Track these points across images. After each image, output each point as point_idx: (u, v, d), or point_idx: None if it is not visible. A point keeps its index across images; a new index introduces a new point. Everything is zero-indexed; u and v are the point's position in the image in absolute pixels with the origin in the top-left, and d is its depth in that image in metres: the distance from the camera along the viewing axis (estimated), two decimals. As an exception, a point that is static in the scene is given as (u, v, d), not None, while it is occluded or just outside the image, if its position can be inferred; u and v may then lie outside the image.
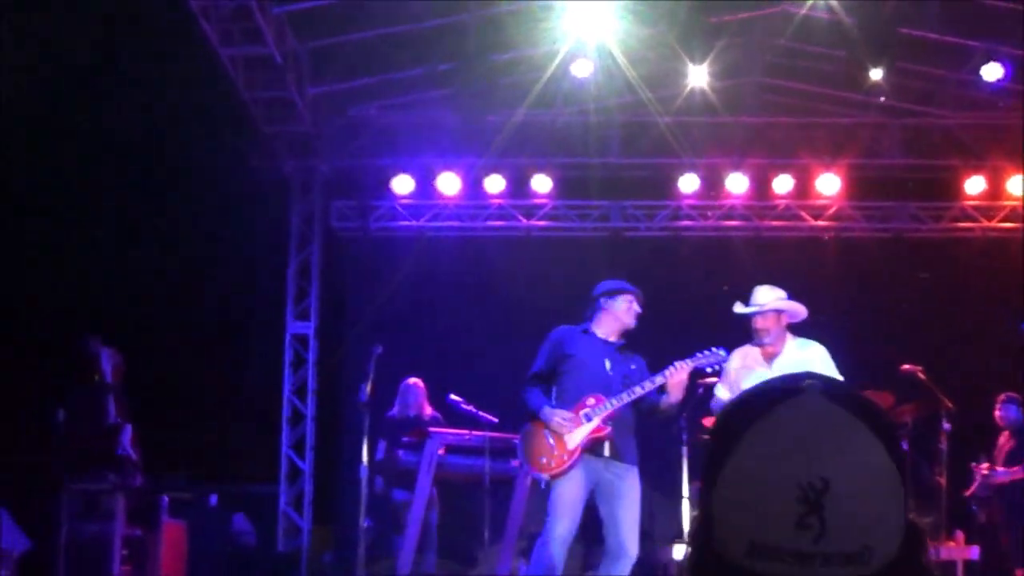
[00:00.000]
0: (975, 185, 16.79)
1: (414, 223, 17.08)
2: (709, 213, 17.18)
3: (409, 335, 15.36)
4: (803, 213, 17.11)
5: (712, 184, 16.82)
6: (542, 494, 8.86)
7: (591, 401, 8.50)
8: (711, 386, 9.39)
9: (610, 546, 8.56)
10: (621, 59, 14.15)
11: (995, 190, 16.81)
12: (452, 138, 16.26)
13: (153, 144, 14.54)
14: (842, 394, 1.76)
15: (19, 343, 13.99)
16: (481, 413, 11.06)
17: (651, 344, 9.04)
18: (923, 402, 11.78)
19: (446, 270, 16.76)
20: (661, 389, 8.51)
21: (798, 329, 8.96)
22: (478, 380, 13.15)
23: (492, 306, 16.04)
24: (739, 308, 8.85)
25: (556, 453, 8.47)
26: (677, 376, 8.41)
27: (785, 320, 8.83)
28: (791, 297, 8.91)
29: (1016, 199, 16.76)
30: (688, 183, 16.63)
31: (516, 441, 8.98)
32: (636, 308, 8.89)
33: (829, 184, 16.65)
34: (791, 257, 16.39)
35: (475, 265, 16.89)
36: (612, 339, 8.84)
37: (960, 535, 12.56)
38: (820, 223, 17.12)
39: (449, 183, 16.62)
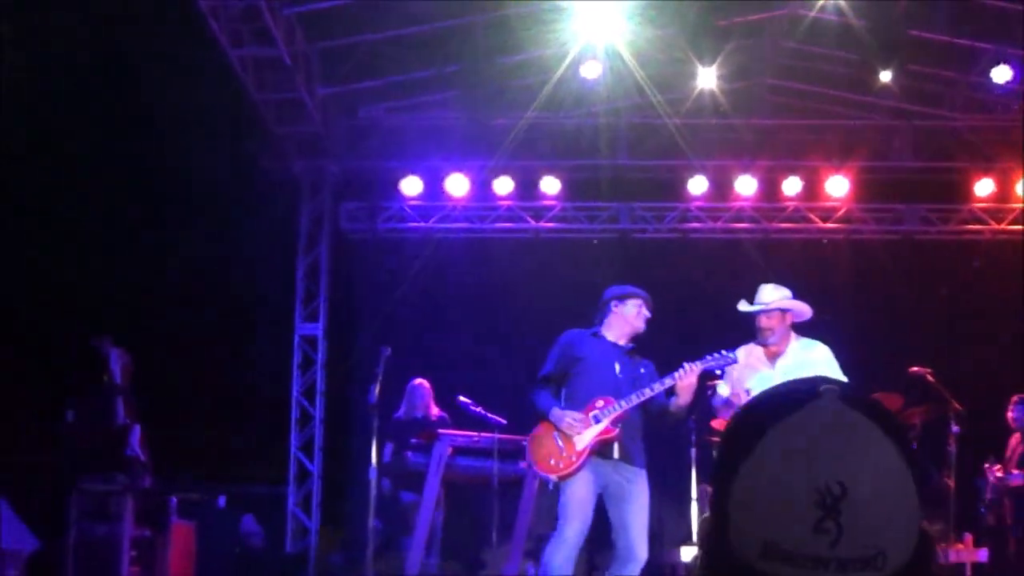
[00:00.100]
0: (984, 187, 16.78)
1: (423, 224, 17.08)
2: (718, 215, 17.16)
3: (418, 336, 15.37)
4: (812, 215, 17.09)
5: (721, 186, 16.80)
6: (551, 496, 8.85)
7: (600, 403, 8.48)
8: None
9: (619, 550, 8.54)
10: (630, 61, 14.14)
11: (1004, 192, 16.80)
12: (461, 140, 16.26)
13: (162, 145, 14.54)
14: (859, 399, 1.75)
15: (28, 344, 14.00)
16: (490, 415, 11.05)
17: (660, 346, 9.02)
18: (932, 404, 11.75)
19: (455, 272, 16.75)
20: (670, 392, 8.49)
21: (805, 329, 8.94)
22: (487, 381, 13.15)
23: (500, 307, 16.03)
24: (744, 306, 8.83)
25: (565, 454, 8.46)
26: (687, 379, 8.38)
27: (790, 319, 8.79)
28: (797, 297, 8.88)
29: (1025, 201, 16.77)
30: (697, 185, 16.63)
31: (524, 442, 8.97)
32: (646, 312, 8.89)
33: (838, 186, 16.63)
34: (800, 259, 16.38)
35: (483, 267, 16.88)
36: (622, 343, 8.83)
37: (969, 538, 12.52)
38: (829, 225, 17.11)
39: (458, 184, 16.61)
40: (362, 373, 13.71)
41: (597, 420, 8.45)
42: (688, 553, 12.77)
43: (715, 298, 9.39)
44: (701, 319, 14.16)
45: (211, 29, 13.04)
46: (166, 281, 15.08)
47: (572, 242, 17.20)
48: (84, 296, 14.40)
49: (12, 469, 11.20)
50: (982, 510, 13.27)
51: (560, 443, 8.49)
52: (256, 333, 16.53)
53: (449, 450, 10.86)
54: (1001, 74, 14.59)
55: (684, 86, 15.12)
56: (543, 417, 8.64)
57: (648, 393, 8.46)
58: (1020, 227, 16.89)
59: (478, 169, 16.56)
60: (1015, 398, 13.37)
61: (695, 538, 12.18)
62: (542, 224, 17.13)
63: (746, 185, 16.62)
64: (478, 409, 11.13)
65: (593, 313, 9.03)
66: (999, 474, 13.19)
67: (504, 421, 10.95)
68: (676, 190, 16.96)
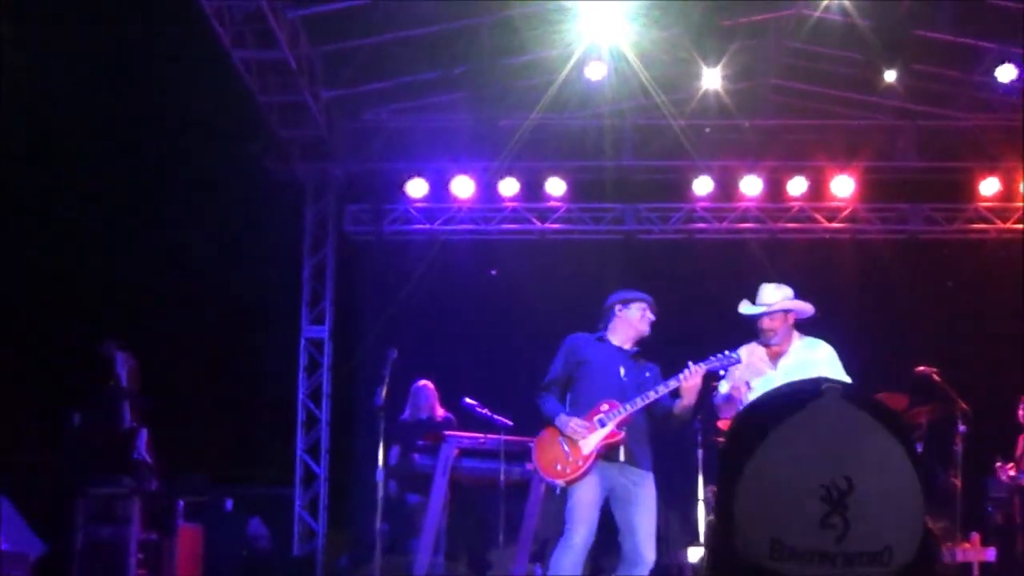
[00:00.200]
0: (989, 187, 16.77)
1: (428, 226, 17.08)
2: (723, 216, 17.16)
3: (423, 338, 15.35)
4: (817, 215, 17.09)
5: (726, 187, 16.79)
6: (557, 500, 8.86)
7: (605, 407, 8.48)
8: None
9: (626, 552, 8.54)
10: (635, 62, 14.14)
11: (1009, 191, 16.79)
12: (466, 141, 16.27)
13: (167, 148, 14.57)
14: (861, 398, 1.76)
15: (34, 347, 14.02)
16: (496, 416, 11.04)
17: (665, 347, 9.02)
18: (938, 404, 11.74)
19: (460, 273, 16.75)
20: (675, 393, 8.49)
21: (809, 328, 8.92)
22: (493, 383, 13.13)
23: (506, 309, 16.03)
24: (746, 309, 8.79)
25: (571, 459, 8.46)
26: (691, 380, 8.37)
27: (792, 319, 8.76)
28: (802, 296, 8.86)
29: (1031, 200, 16.76)
30: (702, 186, 16.62)
31: (531, 444, 8.96)
32: (650, 316, 8.89)
33: (843, 186, 16.63)
34: (805, 259, 16.37)
35: (489, 268, 16.89)
36: (627, 347, 8.83)
37: (976, 537, 12.51)
38: (834, 225, 17.10)
39: (463, 186, 16.61)
40: (368, 375, 13.70)
41: (602, 424, 8.45)
42: (695, 554, 12.77)
43: (720, 299, 9.37)
44: (706, 320, 14.11)
45: (215, 32, 13.05)
46: (172, 284, 15.09)
47: (577, 243, 17.21)
48: (89, 298, 14.43)
49: (19, 472, 11.20)
50: (989, 509, 13.26)
51: (566, 448, 8.49)
52: (262, 336, 16.54)
53: (455, 452, 10.86)
54: (1006, 73, 14.58)
55: (689, 87, 15.13)
56: (548, 422, 8.65)
57: (653, 396, 8.45)
58: (1025, 226, 16.90)
59: (483, 171, 16.56)
60: (1025, 396, 13.39)
61: (702, 539, 12.17)
62: (547, 225, 17.13)
63: (751, 185, 16.62)
64: (484, 411, 11.12)
65: (598, 315, 9.03)
66: (1012, 473, 13.18)
67: (510, 423, 10.94)
68: (681, 191, 16.96)
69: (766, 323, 8.67)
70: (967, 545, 12.24)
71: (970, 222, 17.16)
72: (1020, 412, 13.38)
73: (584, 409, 8.53)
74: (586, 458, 8.42)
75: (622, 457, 8.50)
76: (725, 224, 17.18)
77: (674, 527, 13.57)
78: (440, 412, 12.82)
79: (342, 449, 16.37)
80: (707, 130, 16.24)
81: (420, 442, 11.29)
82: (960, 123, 16.57)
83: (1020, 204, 16.86)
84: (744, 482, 1.73)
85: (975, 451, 12.04)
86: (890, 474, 1.70)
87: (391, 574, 11.55)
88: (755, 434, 1.75)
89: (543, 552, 11.41)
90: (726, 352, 8.55)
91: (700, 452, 11.89)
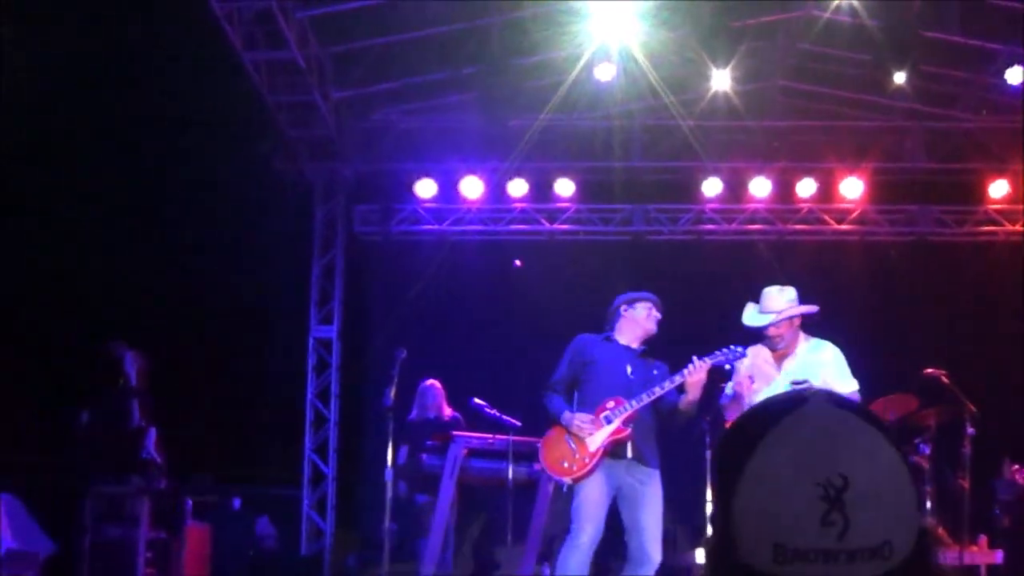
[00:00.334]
0: (999, 189, 16.75)
1: (437, 227, 17.09)
2: (732, 217, 17.15)
3: (432, 339, 15.37)
4: (826, 217, 17.08)
5: (735, 188, 16.79)
6: (565, 497, 8.87)
7: (611, 404, 8.50)
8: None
9: (633, 552, 8.55)
10: (644, 63, 14.14)
11: (1018, 194, 16.76)
12: (475, 142, 16.27)
13: (176, 148, 14.59)
14: (846, 402, 1.79)
15: (44, 346, 14.05)
16: (504, 417, 11.05)
17: (673, 347, 9.02)
18: (946, 406, 11.74)
19: (469, 274, 16.76)
20: (680, 389, 8.50)
21: (818, 330, 8.90)
22: (501, 383, 13.14)
23: (515, 310, 16.04)
24: (751, 320, 8.75)
25: (577, 457, 8.48)
26: (695, 375, 8.38)
27: (798, 322, 8.75)
28: (810, 299, 8.84)
29: (1041, 203, 16.75)
30: (711, 187, 16.62)
31: (539, 445, 8.97)
32: (656, 314, 8.91)
33: (852, 188, 16.62)
34: (814, 261, 16.37)
35: (498, 269, 16.91)
36: (634, 346, 8.85)
37: (983, 539, 12.50)
38: (843, 227, 17.10)
39: (472, 187, 16.62)
40: (377, 375, 13.73)
41: (608, 421, 8.47)
42: (702, 555, 12.77)
43: (729, 300, 9.36)
44: (715, 321, 14.10)
45: (225, 32, 13.07)
46: (181, 284, 15.11)
47: (586, 244, 17.21)
48: (96, 298, 14.45)
49: (28, 471, 11.24)
50: (996, 512, 13.24)
51: (572, 445, 8.51)
52: (271, 336, 16.57)
53: (464, 452, 10.87)
54: (1015, 75, 14.58)
55: (698, 88, 15.13)
56: (555, 421, 8.67)
57: (658, 392, 8.47)
58: (1035, 228, 16.88)
59: (492, 171, 16.56)
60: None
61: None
62: (556, 226, 17.13)
63: (760, 187, 16.62)
64: (493, 411, 11.13)
65: (606, 316, 9.05)
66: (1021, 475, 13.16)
67: (519, 423, 10.95)
68: (690, 192, 16.95)
69: (772, 330, 8.66)
70: (975, 548, 12.25)
71: (979, 224, 17.14)
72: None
73: (591, 408, 8.55)
74: (592, 455, 8.44)
75: (629, 454, 8.52)
76: (734, 225, 17.17)
77: (682, 527, 13.56)
78: (447, 412, 12.83)
79: (350, 449, 16.40)
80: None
81: (429, 442, 11.31)
82: (969, 125, 16.57)
83: (1029, 207, 16.85)
84: (739, 497, 1.74)
85: (983, 454, 12.03)
86: (882, 469, 1.72)
87: (399, 574, 11.57)
88: (749, 440, 1.77)
89: (551, 552, 11.41)
90: (731, 346, 8.55)
91: (709, 452, 11.88)
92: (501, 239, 17.18)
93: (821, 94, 16.72)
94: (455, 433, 11.11)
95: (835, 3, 13.87)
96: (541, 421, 9.01)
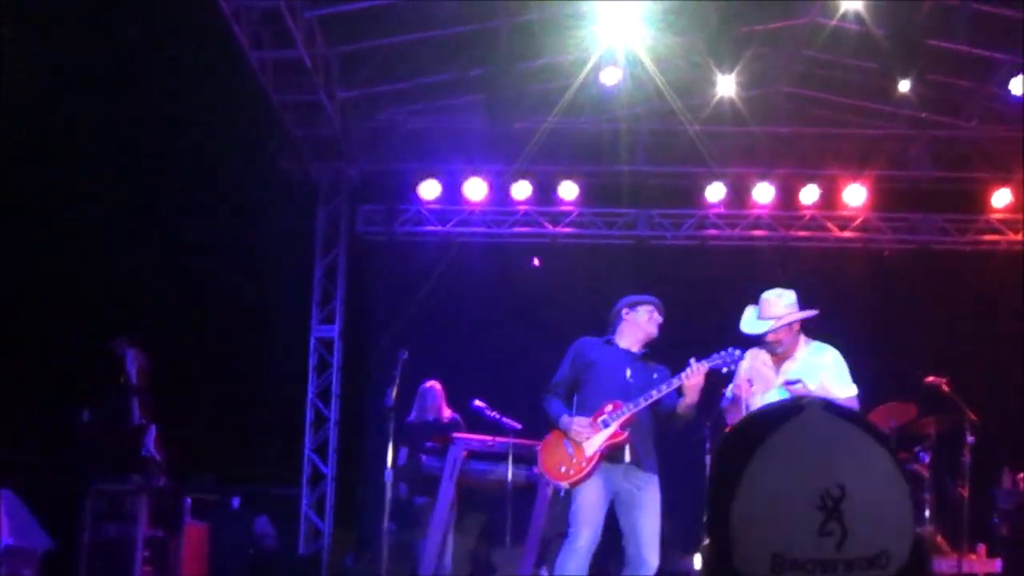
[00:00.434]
0: (1001, 198, 16.75)
1: (440, 228, 17.08)
2: (736, 222, 17.16)
3: (434, 340, 15.37)
4: (829, 224, 17.08)
5: (739, 193, 16.79)
6: (563, 501, 8.87)
7: (609, 407, 8.49)
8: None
9: (630, 556, 8.55)
10: (650, 67, 14.13)
11: (1021, 203, 16.75)
12: (480, 144, 16.26)
13: (182, 146, 14.60)
14: (841, 410, 1.79)
15: (44, 346, 14.06)
16: (505, 419, 11.05)
17: (675, 351, 9.00)
18: (947, 414, 11.75)
19: (472, 276, 16.75)
20: (679, 392, 8.49)
21: (820, 337, 8.88)
22: (502, 385, 13.12)
23: (517, 312, 16.02)
24: (750, 327, 8.72)
25: (575, 461, 8.47)
26: (693, 378, 8.37)
27: (797, 327, 8.73)
28: (812, 305, 8.82)
29: (1043, 212, 16.74)
30: (715, 192, 16.61)
31: (538, 448, 8.97)
32: (658, 318, 8.89)
33: (855, 195, 16.62)
34: (817, 267, 16.35)
35: (500, 271, 16.90)
36: (635, 349, 8.84)
37: (982, 548, 12.50)
38: (846, 234, 17.09)
39: (476, 189, 16.61)
40: (378, 376, 13.73)
41: (606, 424, 8.47)
42: (700, 560, 12.76)
43: (732, 305, 9.34)
44: (717, 326, 14.09)
45: (232, 31, 13.06)
46: (181, 282, 15.12)
47: (589, 248, 17.20)
48: (96, 297, 14.45)
49: (28, 469, 11.24)
50: (995, 520, 13.23)
51: (570, 450, 8.51)
52: (272, 335, 16.55)
53: (463, 454, 10.87)
54: (1019, 86, 14.56)
55: (703, 93, 15.12)
56: (553, 425, 8.67)
57: (656, 395, 8.46)
58: (1038, 238, 16.87)
59: (496, 173, 16.57)
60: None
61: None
62: (559, 229, 17.13)
63: (764, 193, 16.61)
64: (493, 413, 11.14)
65: (609, 319, 9.04)
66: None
67: (519, 426, 10.95)
68: (694, 197, 16.95)
69: (771, 336, 8.64)
70: (973, 556, 12.24)
71: (982, 233, 17.13)
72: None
73: (590, 411, 8.55)
74: (590, 459, 8.43)
75: (627, 458, 8.51)
76: (737, 231, 17.17)
77: (680, 532, 13.56)
78: (447, 413, 12.81)
79: (350, 449, 16.39)
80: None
81: (428, 444, 11.31)
82: (973, 133, 16.55)
83: (1032, 216, 16.84)
84: (738, 499, 1.74)
85: (983, 462, 12.03)
86: (879, 479, 1.72)
87: (397, 574, 11.57)
88: (744, 450, 1.77)
89: (548, 554, 11.41)
90: (728, 349, 8.53)
91: (708, 457, 11.88)
92: (504, 241, 17.17)
93: (826, 101, 16.72)
94: (455, 435, 11.12)
95: (841, 10, 13.86)
96: (542, 423, 9.01)
